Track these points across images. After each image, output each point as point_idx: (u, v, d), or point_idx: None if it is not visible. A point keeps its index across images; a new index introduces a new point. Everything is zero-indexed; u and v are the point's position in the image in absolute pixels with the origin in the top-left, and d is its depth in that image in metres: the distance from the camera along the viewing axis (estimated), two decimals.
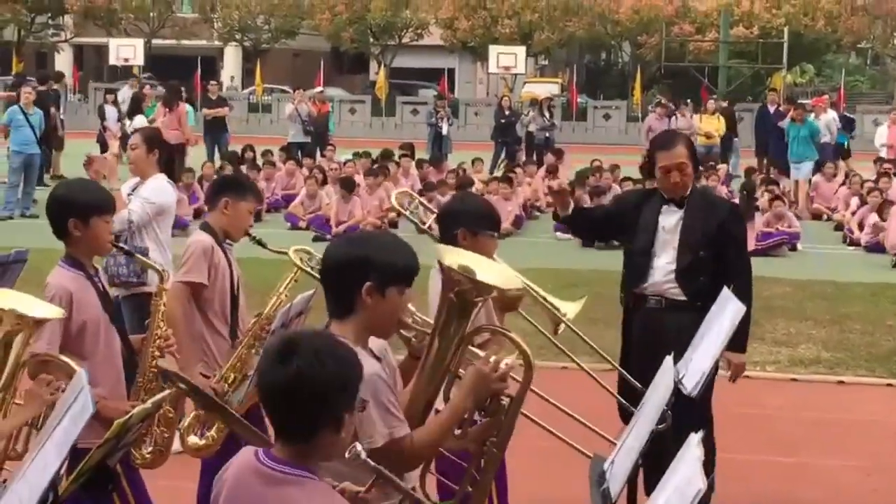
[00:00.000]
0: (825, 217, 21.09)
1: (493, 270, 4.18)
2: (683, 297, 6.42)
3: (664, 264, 6.52)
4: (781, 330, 11.96)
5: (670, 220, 6.56)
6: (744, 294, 6.46)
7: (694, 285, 6.39)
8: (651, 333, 6.21)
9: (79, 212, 5.15)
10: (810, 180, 22.03)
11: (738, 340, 6.64)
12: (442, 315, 4.05)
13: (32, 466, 3.88)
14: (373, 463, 3.37)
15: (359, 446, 3.30)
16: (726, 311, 5.59)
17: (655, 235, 6.55)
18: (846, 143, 25.81)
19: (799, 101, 29.19)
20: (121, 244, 5.56)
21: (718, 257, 6.52)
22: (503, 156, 27.67)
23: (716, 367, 6.49)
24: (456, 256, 4.15)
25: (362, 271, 3.79)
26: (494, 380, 3.90)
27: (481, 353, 4.15)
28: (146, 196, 8.00)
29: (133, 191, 8.17)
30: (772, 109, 26.17)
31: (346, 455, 3.29)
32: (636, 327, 6.53)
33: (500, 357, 4.00)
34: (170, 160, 8.94)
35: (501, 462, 4.43)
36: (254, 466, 3.19)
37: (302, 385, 3.11)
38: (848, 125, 26.62)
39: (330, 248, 4.07)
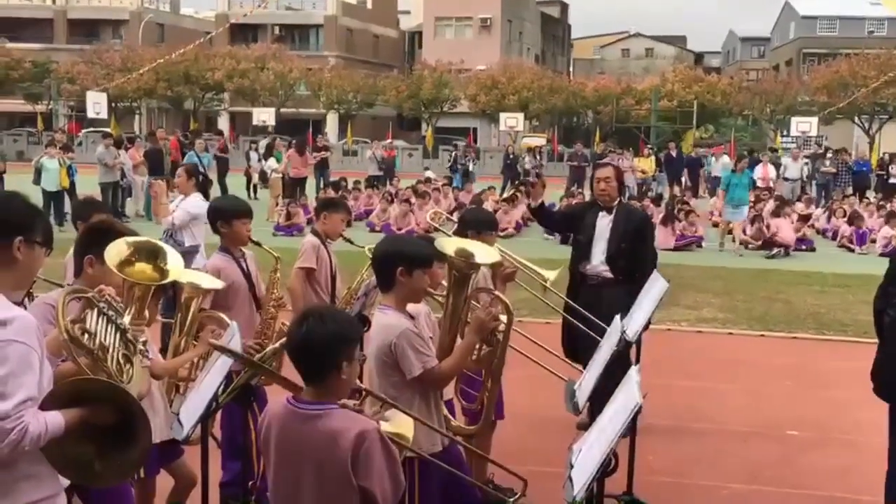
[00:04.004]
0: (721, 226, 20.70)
1: (477, 250, 4.13)
2: (611, 276, 6.37)
3: (599, 251, 6.48)
4: (691, 299, 11.85)
5: (603, 221, 6.53)
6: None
7: (617, 265, 6.36)
8: (592, 300, 6.18)
9: (224, 216, 5.14)
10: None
11: None
12: (450, 285, 4.04)
13: (203, 383, 3.90)
14: (360, 384, 3.25)
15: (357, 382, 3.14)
16: (655, 286, 5.56)
17: (594, 231, 6.52)
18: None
19: (708, 151, 29.05)
20: (251, 237, 5.39)
21: (633, 248, 6.45)
22: (508, 185, 27.46)
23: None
24: (454, 245, 4.11)
25: (395, 260, 3.74)
26: (489, 321, 3.91)
27: (478, 308, 4.18)
28: (185, 207, 7.89)
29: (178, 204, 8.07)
30: (674, 154, 26.98)
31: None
32: (581, 295, 6.37)
33: (490, 307, 4.06)
34: (205, 183, 8.71)
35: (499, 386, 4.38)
36: (290, 411, 2.96)
37: (310, 340, 2.91)
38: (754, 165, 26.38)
39: (375, 246, 4.05)
